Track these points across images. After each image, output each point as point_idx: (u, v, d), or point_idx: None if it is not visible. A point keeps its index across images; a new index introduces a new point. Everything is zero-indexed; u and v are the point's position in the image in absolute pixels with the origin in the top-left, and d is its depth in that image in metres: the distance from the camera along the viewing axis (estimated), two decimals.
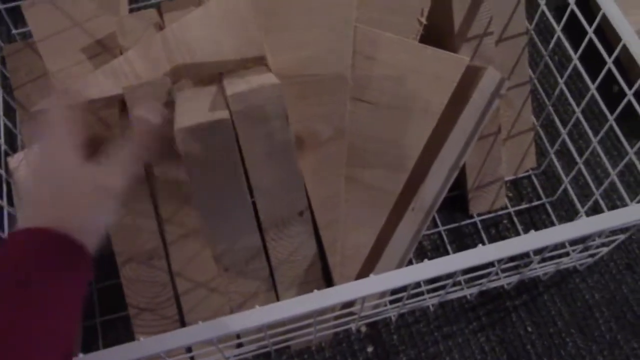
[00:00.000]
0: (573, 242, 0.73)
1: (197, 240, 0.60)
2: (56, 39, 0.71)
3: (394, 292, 0.69)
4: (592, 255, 0.72)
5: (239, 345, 0.65)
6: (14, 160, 0.66)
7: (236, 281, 0.61)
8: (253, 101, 0.52)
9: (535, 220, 0.77)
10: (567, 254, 0.69)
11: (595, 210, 0.76)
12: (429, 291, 0.70)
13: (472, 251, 0.50)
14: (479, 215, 0.77)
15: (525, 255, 0.74)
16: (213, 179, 0.54)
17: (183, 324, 0.63)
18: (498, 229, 0.77)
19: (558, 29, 0.66)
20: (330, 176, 0.60)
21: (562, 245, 0.72)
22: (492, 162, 0.73)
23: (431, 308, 0.72)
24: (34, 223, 0.42)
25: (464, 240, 0.76)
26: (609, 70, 0.60)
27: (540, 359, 0.69)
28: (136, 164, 0.50)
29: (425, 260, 0.49)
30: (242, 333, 0.62)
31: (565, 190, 0.78)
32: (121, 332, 0.69)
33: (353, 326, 0.69)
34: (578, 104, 0.69)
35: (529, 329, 0.71)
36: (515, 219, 0.77)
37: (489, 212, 0.77)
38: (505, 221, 0.77)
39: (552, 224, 0.77)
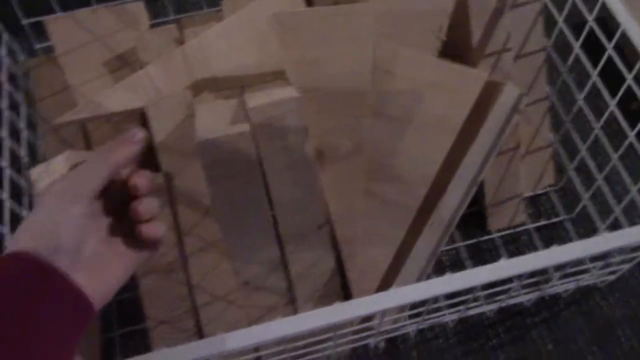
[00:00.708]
0: (594, 259, 0.72)
1: (216, 253, 0.60)
2: (78, 54, 0.72)
3: (413, 307, 0.68)
4: (613, 272, 0.71)
5: None
6: (35, 173, 0.67)
7: (255, 294, 0.61)
8: (273, 114, 0.52)
9: (554, 237, 0.77)
10: (587, 271, 0.68)
11: (615, 227, 0.75)
12: (448, 307, 0.69)
13: (493, 266, 0.50)
14: (497, 231, 0.77)
15: (545, 271, 0.74)
16: (233, 191, 0.54)
17: (201, 336, 0.63)
18: (517, 246, 0.76)
19: (577, 46, 0.66)
20: (349, 190, 0.60)
21: (582, 261, 0.71)
22: (511, 178, 0.73)
23: (450, 324, 0.71)
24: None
25: (482, 256, 0.75)
26: (629, 86, 0.60)
27: None
28: None
29: (445, 275, 0.49)
30: (261, 347, 0.62)
31: (584, 207, 0.77)
32: (139, 344, 0.69)
33: (372, 342, 0.68)
34: (597, 121, 0.68)
35: (550, 346, 0.70)
36: (534, 236, 0.77)
37: (508, 229, 0.77)
38: (524, 237, 0.77)
39: (572, 241, 0.76)
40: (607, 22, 0.87)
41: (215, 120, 0.54)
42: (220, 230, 0.56)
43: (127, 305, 0.71)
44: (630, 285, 0.73)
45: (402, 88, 0.59)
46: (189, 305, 0.62)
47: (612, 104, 0.63)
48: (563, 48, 0.88)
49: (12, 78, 0.83)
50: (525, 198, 0.78)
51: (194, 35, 0.62)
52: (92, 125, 0.70)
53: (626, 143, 0.63)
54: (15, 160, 0.77)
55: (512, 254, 0.75)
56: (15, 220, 0.72)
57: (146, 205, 0.46)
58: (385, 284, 0.65)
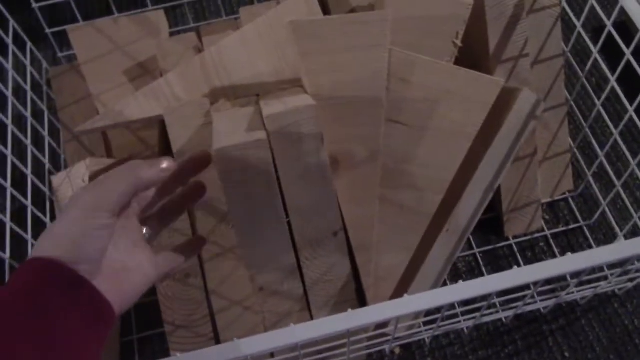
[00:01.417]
0: (611, 266, 0.72)
1: (233, 259, 0.61)
2: (99, 62, 0.74)
3: (428, 313, 0.68)
4: (631, 280, 0.70)
5: None
6: (57, 179, 0.68)
7: (271, 300, 0.61)
8: (289, 122, 0.53)
9: (572, 244, 0.76)
10: (605, 278, 0.68)
11: (634, 234, 0.74)
12: (463, 313, 0.69)
13: (508, 273, 0.50)
14: (514, 237, 0.77)
15: (562, 278, 0.73)
16: (249, 198, 0.55)
17: (218, 341, 0.64)
18: (534, 252, 0.76)
19: (595, 51, 0.65)
20: (365, 197, 0.60)
21: (600, 269, 0.71)
22: (528, 184, 0.73)
23: (466, 331, 0.71)
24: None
25: (499, 263, 0.75)
26: None
27: None
28: None
29: (460, 282, 0.49)
30: (277, 352, 0.62)
31: (603, 214, 0.77)
32: (157, 348, 0.70)
33: (387, 348, 0.69)
34: (616, 126, 0.68)
35: (566, 354, 0.70)
36: (551, 242, 0.76)
37: (525, 235, 0.77)
38: (541, 244, 0.76)
39: (590, 248, 0.75)
40: (627, 26, 0.86)
41: (232, 127, 0.55)
42: (236, 237, 0.57)
43: (145, 310, 0.72)
44: None
45: (418, 95, 0.59)
46: (206, 311, 0.62)
47: (631, 109, 0.63)
48: (582, 53, 0.88)
49: (35, 86, 0.85)
50: (543, 204, 0.78)
51: (213, 43, 0.63)
52: (113, 133, 0.71)
53: None
54: (37, 166, 0.79)
55: (529, 261, 0.75)
56: (38, 225, 0.74)
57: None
58: (400, 291, 0.65)
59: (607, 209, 0.74)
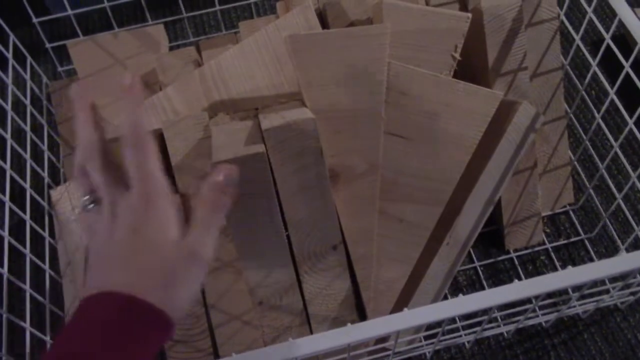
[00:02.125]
0: (613, 280, 0.71)
1: (232, 273, 0.60)
2: (99, 76, 0.74)
3: (429, 327, 0.68)
4: (633, 294, 0.70)
5: None
6: (56, 193, 0.68)
7: (270, 314, 0.61)
8: (288, 135, 0.53)
9: (573, 257, 0.76)
10: (607, 292, 0.67)
11: (636, 246, 0.74)
12: (464, 327, 0.69)
13: (509, 286, 0.49)
14: (515, 251, 0.76)
15: (564, 292, 0.73)
16: (248, 212, 0.54)
17: (217, 356, 0.63)
18: (535, 265, 0.75)
19: (594, 64, 0.65)
20: (364, 210, 0.60)
21: (602, 282, 0.70)
22: (528, 197, 0.72)
23: (467, 345, 0.70)
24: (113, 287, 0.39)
25: (500, 276, 0.75)
26: None
27: None
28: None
29: (460, 295, 0.49)
30: None
31: (604, 226, 0.77)
32: None
33: None
34: (616, 139, 0.68)
35: None
36: (553, 255, 0.76)
37: (526, 248, 0.76)
38: (542, 257, 0.76)
39: (591, 261, 0.75)
40: (625, 39, 0.86)
41: (230, 141, 0.55)
42: (235, 250, 0.56)
43: None
44: None
45: (417, 108, 0.59)
46: (204, 325, 0.62)
47: (631, 122, 0.63)
48: (581, 66, 0.88)
49: (35, 100, 0.85)
50: (544, 217, 0.78)
51: (212, 57, 0.63)
52: (112, 147, 0.71)
53: None
54: (37, 180, 0.79)
55: (530, 274, 0.74)
56: (37, 240, 0.74)
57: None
58: (400, 304, 0.64)
59: (608, 222, 0.74)
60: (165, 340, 0.41)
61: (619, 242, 0.75)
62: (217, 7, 0.88)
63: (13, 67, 0.76)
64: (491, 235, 0.76)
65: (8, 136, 0.67)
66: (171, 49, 0.87)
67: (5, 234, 0.61)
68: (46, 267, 0.68)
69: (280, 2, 0.71)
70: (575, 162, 0.77)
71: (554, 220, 0.78)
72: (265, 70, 0.61)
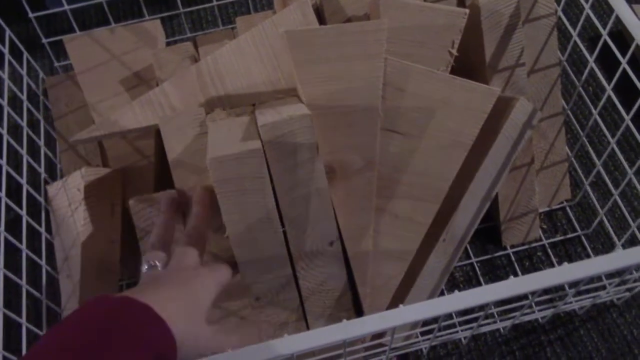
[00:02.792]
0: (610, 276, 0.71)
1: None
2: (95, 72, 0.74)
3: (425, 323, 0.68)
4: (629, 290, 0.70)
5: None
6: (53, 189, 0.68)
7: (266, 310, 0.61)
8: (284, 131, 0.53)
9: (570, 253, 0.76)
10: (603, 288, 0.67)
11: (632, 243, 0.74)
12: (461, 323, 0.69)
13: (506, 282, 0.49)
14: (512, 247, 0.76)
15: (560, 288, 0.73)
16: (244, 208, 0.54)
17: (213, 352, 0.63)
18: (532, 261, 0.76)
19: (591, 60, 0.65)
20: (361, 207, 0.60)
21: (598, 278, 0.71)
22: (525, 193, 0.72)
23: (463, 341, 0.70)
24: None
25: (496, 272, 0.75)
26: None
27: None
28: None
29: (457, 292, 0.49)
30: None
31: (601, 223, 0.77)
32: None
33: (384, 358, 0.68)
34: (613, 135, 0.68)
35: None
36: (549, 251, 0.76)
37: (523, 244, 0.76)
38: (539, 253, 0.76)
39: (588, 257, 0.75)
40: (622, 36, 0.86)
41: (227, 137, 0.55)
42: (232, 247, 0.56)
43: None
44: None
45: (414, 104, 0.59)
46: None
47: (628, 118, 0.63)
48: (578, 62, 0.88)
49: (32, 96, 0.85)
50: (541, 213, 0.78)
51: (209, 53, 0.63)
52: (109, 142, 0.71)
53: None
54: (33, 176, 0.79)
55: (527, 270, 0.74)
56: (33, 235, 0.74)
57: None
58: (397, 300, 0.64)
59: (604, 218, 0.74)
60: (162, 341, 0.42)
61: (615, 238, 0.75)
62: (215, 3, 0.88)
63: (9, 62, 0.75)
64: (488, 232, 0.76)
65: (4, 132, 0.67)
66: (168, 44, 0.86)
67: (2, 229, 0.61)
68: (43, 262, 0.68)
69: None
70: (572, 159, 0.77)
71: (551, 217, 0.78)
72: (262, 66, 0.61)
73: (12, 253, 0.75)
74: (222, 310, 0.63)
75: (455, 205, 0.62)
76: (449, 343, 0.71)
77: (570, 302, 0.69)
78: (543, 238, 0.76)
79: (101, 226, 0.66)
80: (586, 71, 0.67)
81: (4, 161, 0.65)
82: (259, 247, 0.56)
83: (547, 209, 0.78)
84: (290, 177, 0.55)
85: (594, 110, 0.69)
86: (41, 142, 0.77)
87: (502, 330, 0.71)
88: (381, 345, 0.64)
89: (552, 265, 0.75)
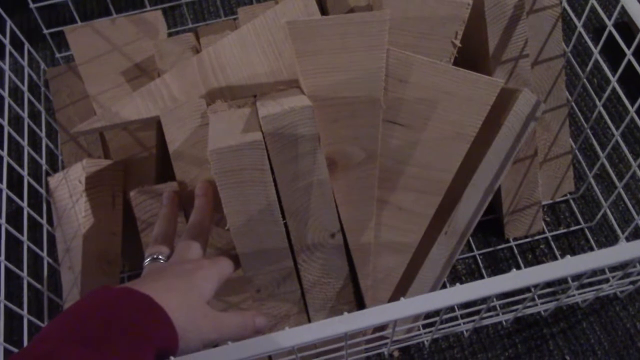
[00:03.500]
0: (613, 269, 0.71)
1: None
2: (97, 62, 0.73)
3: (427, 316, 0.68)
4: (633, 283, 0.69)
5: None
6: (54, 180, 0.68)
7: (268, 303, 0.61)
8: (285, 123, 0.52)
9: (573, 246, 0.76)
10: (606, 281, 0.67)
11: (636, 235, 0.74)
12: (463, 316, 0.69)
13: (507, 275, 0.49)
14: (515, 239, 0.76)
15: (563, 281, 0.73)
16: (245, 200, 0.54)
17: (214, 345, 0.63)
18: (535, 254, 0.75)
19: (596, 51, 0.65)
20: (362, 199, 0.60)
21: (601, 271, 0.70)
22: (529, 185, 0.72)
23: (465, 334, 0.70)
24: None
25: (499, 265, 0.74)
26: None
27: None
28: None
29: (458, 284, 0.49)
30: (274, 355, 0.62)
31: (604, 215, 0.76)
32: None
33: (385, 350, 0.68)
34: (617, 127, 0.67)
35: (567, 357, 0.69)
36: (552, 244, 0.75)
37: (526, 237, 0.76)
38: (542, 246, 0.76)
39: (591, 250, 0.75)
40: (628, 27, 0.86)
41: (228, 129, 0.54)
42: (233, 238, 0.56)
43: None
44: None
45: (416, 96, 0.59)
46: None
47: (632, 110, 0.62)
48: (583, 53, 0.88)
49: (33, 87, 0.85)
50: (544, 206, 0.77)
51: (210, 44, 0.63)
52: (110, 134, 0.71)
53: None
54: (35, 168, 0.79)
55: (529, 263, 0.74)
56: (35, 227, 0.74)
57: None
58: (399, 293, 0.64)
59: (608, 211, 0.74)
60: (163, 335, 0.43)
61: (619, 231, 0.74)
62: None
63: (10, 53, 0.75)
64: (491, 224, 0.76)
65: (5, 123, 0.67)
66: (170, 35, 0.86)
67: (3, 221, 0.61)
68: (44, 254, 0.68)
69: None
70: (576, 151, 0.77)
71: (554, 209, 0.78)
72: (263, 57, 0.61)
73: (13, 245, 0.75)
74: (223, 303, 0.63)
75: (458, 198, 0.61)
76: (451, 336, 0.70)
77: (573, 295, 0.69)
78: (546, 231, 0.76)
79: (102, 218, 0.66)
80: (591, 62, 0.66)
81: (5, 153, 0.65)
82: (260, 239, 0.56)
83: (550, 201, 0.78)
84: (292, 169, 0.54)
85: (598, 102, 0.68)
86: (42, 134, 0.77)
87: (504, 323, 0.71)
88: (383, 337, 0.64)
89: (555, 258, 0.74)
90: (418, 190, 0.61)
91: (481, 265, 0.75)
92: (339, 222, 0.59)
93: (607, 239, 0.76)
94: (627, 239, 0.72)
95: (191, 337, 0.46)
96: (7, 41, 0.74)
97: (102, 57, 0.73)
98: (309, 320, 0.62)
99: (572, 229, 0.76)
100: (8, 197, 0.64)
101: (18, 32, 0.79)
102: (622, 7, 0.58)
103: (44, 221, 0.70)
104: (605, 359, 0.69)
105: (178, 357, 0.44)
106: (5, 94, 0.70)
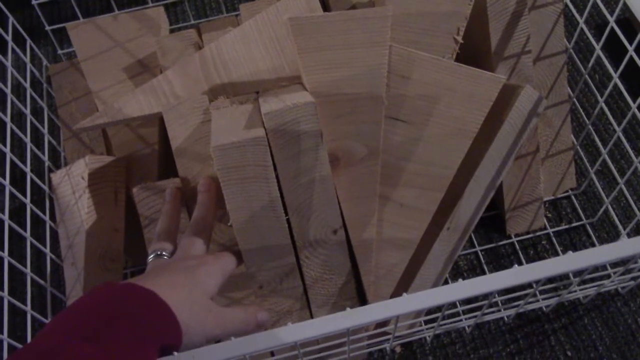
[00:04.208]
0: (614, 265, 0.71)
1: None
2: (99, 59, 0.74)
3: (429, 312, 0.68)
4: (634, 279, 0.69)
5: None
6: (56, 177, 0.68)
7: (270, 299, 0.61)
8: (288, 119, 0.52)
9: (575, 242, 0.76)
10: (608, 277, 0.67)
11: (638, 231, 0.74)
12: (465, 312, 0.69)
13: (510, 271, 0.49)
14: (516, 235, 0.76)
15: (565, 277, 0.73)
16: (248, 196, 0.54)
17: (217, 340, 0.63)
18: (536, 250, 0.75)
19: (598, 47, 0.65)
20: (365, 195, 0.60)
21: (603, 267, 0.70)
22: (530, 181, 0.72)
23: (467, 329, 0.70)
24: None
25: (501, 261, 0.75)
26: None
27: None
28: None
29: (460, 280, 0.49)
30: (276, 351, 0.62)
31: (606, 211, 0.76)
32: None
33: (387, 346, 0.68)
34: (619, 123, 0.67)
35: (569, 353, 0.69)
36: (554, 240, 0.76)
37: (527, 233, 0.76)
38: (544, 242, 0.76)
39: (593, 246, 0.75)
40: (630, 23, 0.86)
41: (230, 125, 0.54)
42: (235, 235, 0.56)
43: None
44: None
45: (419, 92, 0.59)
46: None
47: (634, 106, 0.62)
48: (585, 50, 0.87)
49: (35, 83, 0.85)
50: (546, 202, 0.78)
51: (212, 40, 0.63)
52: (113, 130, 0.71)
53: None
54: (38, 164, 0.79)
55: (531, 259, 0.74)
56: (38, 223, 0.74)
57: None
58: (401, 289, 0.64)
59: (610, 207, 0.74)
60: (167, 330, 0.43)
61: (620, 227, 0.74)
62: None
63: (13, 50, 0.75)
64: (492, 220, 0.76)
65: (8, 119, 0.67)
66: (172, 31, 0.86)
67: (6, 217, 0.61)
68: (47, 250, 0.68)
69: None
70: (578, 147, 0.77)
71: (556, 205, 0.78)
72: (265, 53, 0.61)
73: (16, 241, 0.75)
74: (226, 299, 0.63)
75: (460, 194, 0.62)
76: (453, 331, 0.71)
77: (575, 291, 0.69)
78: (548, 227, 0.76)
79: (105, 214, 0.66)
80: (593, 59, 0.66)
81: (7, 149, 0.65)
82: (262, 235, 0.56)
83: (552, 197, 0.78)
84: (294, 165, 0.54)
85: (600, 98, 0.68)
86: (45, 130, 0.77)
87: (506, 318, 0.71)
88: (385, 333, 0.64)
89: (557, 254, 0.75)
90: (420, 186, 0.61)
91: (483, 261, 0.75)
92: (341, 218, 0.59)
93: (609, 235, 0.76)
94: (629, 235, 0.72)
95: (195, 332, 0.46)
96: (9, 38, 0.74)
97: (104, 54, 0.73)
98: (312, 316, 0.63)
99: (573, 225, 0.77)
100: (11, 194, 0.65)
101: (20, 29, 0.79)
102: (624, 4, 0.58)
103: (46, 217, 0.70)
104: (607, 354, 0.69)
105: (182, 352, 0.44)
106: (8, 91, 0.70)
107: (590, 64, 0.68)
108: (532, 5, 0.67)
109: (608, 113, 0.68)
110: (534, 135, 0.70)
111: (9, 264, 0.60)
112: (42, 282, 0.65)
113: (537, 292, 0.70)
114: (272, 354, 0.64)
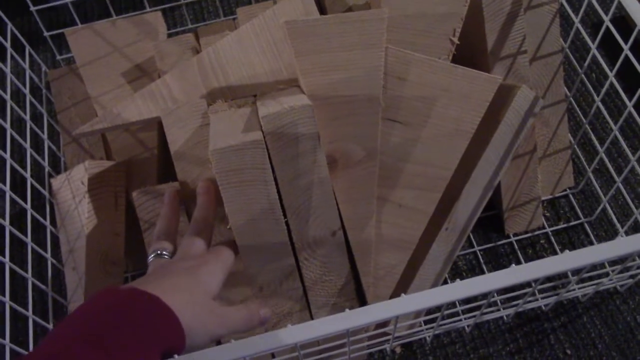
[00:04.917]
0: (613, 263, 0.71)
1: None
2: (97, 64, 0.74)
3: (429, 312, 0.68)
4: (632, 277, 0.70)
5: None
6: (57, 182, 0.68)
7: (270, 300, 0.61)
8: (285, 122, 0.53)
9: (573, 241, 0.76)
10: (606, 275, 0.68)
11: (635, 230, 0.74)
12: (464, 312, 0.69)
13: (507, 271, 0.49)
14: (515, 235, 0.76)
15: (563, 276, 0.73)
16: (247, 199, 0.54)
17: (218, 342, 0.64)
18: (535, 249, 0.76)
19: (594, 46, 0.65)
20: (363, 196, 0.60)
21: (601, 265, 0.71)
22: (528, 181, 0.72)
23: (467, 329, 0.71)
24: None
25: (499, 261, 0.75)
26: None
27: None
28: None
29: (459, 280, 0.49)
30: (277, 353, 0.62)
31: (604, 210, 0.77)
32: None
33: (387, 347, 0.69)
34: (615, 122, 0.68)
35: (568, 351, 0.69)
36: (552, 239, 0.76)
37: (526, 232, 0.76)
38: (542, 241, 0.76)
39: (591, 244, 0.75)
40: (625, 21, 0.86)
41: (228, 128, 0.55)
42: (235, 237, 0.57)
43: None
44: None
45: (415, 93, 0.59)
46: None
47: (630, 104, 0.62)
48: (581, 49, 0.88)
49: (35, 89, 0.85)
50: (544, 201, 0.78)
51: (210, 44, 0.63)
52: (112, 135, 0.71)
53: None
54: (38, 169, 0.79)
55: (530, 258, 0.75)
56: (38, 229, 0.74)
57: None
58: (400, 289, 0.65)
59: (607, 206, 0.74)
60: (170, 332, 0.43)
61: (618, 225, 0.75)
62: None
63: (12, 56, 0.76)
64: (491, 220, 0.76)
65: (8, 126, 0.67)
66: (169, 36, 0.86)
67: (7, 223, 0.62)
68: (48, 255, 0.68)
69: None
70: (575, 146, 0.77)
71: (554, 204, 0.78)
72: (263, 56, 0.61)
73: (17, 246, 0.75)
74: (226, 302, 0.63)
75: (458, 194, 0.62)
76: (453, 331, 0.71)
77: (573, 290, 0.69)
78: (546, 226, 0.77)
79: (105, 218, 0.67)
80: (589, 58, 0.66)
81: (8, 155, 0.66)
82: (261, 237, 0.57)
83: (550, 196, 0.78)
84: (292, 167, 0.55)
85: (596, 97, 0.68)
86: (44, 136, 0.77)
87: (505, 318, 0.71)
88: (385, 334, 0.65)
89: (555, 253, 0.75)
90: (418, 187, 0.61)
91: (482, 260, 0.75)
92: (339, 219, 0.59)
93: (607, 234, 0.76)
94: (627, 233, 0.72)
95: (198, 334, 0.46)
96: (8, 44, 0.74)
97: (103, 59, 0.74)
98: (312, 318, 0.63)
99: (571, 223, 0.77)
100: (11, 199, 0.65)
101: (19, 35, 0.80)
102: (619, 2, 0.58)
103: (47, 222, 0.70)
104: (606, 352, 0.69)
105: (185, 354, 0.44)
106: (7, 97, 0.70)
107: (586, 63, 0.68)
108: (528, 5, 0.67)
109: (605, 112, 0.69)
110: (531, 135, 0.70)
111: (10, 269, 0.61)
112: (43, 287, 0.65)
113: (536, 291, 0.70)
114: (273, 355, 0.65)
